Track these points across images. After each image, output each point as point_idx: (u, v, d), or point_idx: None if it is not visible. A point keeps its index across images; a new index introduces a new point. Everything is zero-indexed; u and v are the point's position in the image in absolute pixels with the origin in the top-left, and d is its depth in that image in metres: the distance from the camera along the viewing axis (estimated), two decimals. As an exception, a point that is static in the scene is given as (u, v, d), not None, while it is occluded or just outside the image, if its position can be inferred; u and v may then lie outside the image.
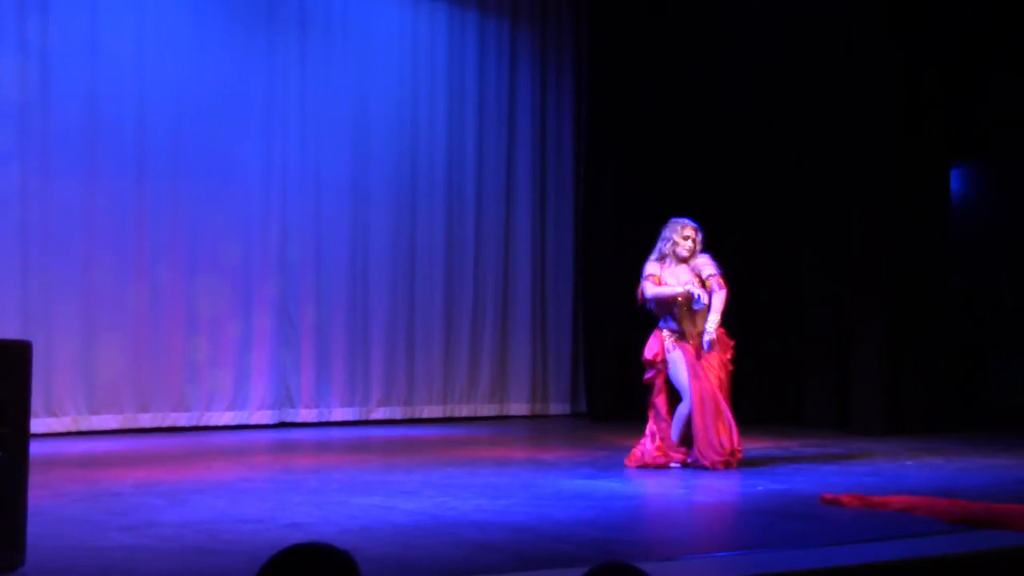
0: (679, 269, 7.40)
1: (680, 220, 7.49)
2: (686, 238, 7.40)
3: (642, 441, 7.42)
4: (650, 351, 7.43)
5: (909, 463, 7.66)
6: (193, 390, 9.52)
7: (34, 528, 4.16)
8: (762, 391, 10.44)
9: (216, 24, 9.71)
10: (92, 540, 4.73)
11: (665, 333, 7.42)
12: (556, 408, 11.48)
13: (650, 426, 7.42)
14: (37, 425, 7.53)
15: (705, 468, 7.13)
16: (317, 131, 10.18)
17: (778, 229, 10.62)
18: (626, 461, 7.39)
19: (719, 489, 6.55)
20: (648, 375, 7.46)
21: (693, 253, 7.42)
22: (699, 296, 7.25)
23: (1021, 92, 10.37)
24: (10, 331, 7.94)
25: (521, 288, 11.35)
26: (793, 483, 6.62)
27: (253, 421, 9.77)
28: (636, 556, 4.39)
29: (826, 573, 4.22)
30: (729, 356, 7.41)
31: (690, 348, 7.31)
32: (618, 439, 8.29)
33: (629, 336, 9.91)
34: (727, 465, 7.14)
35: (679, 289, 7.32)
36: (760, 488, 6.44)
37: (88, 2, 9.10)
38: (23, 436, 4.03)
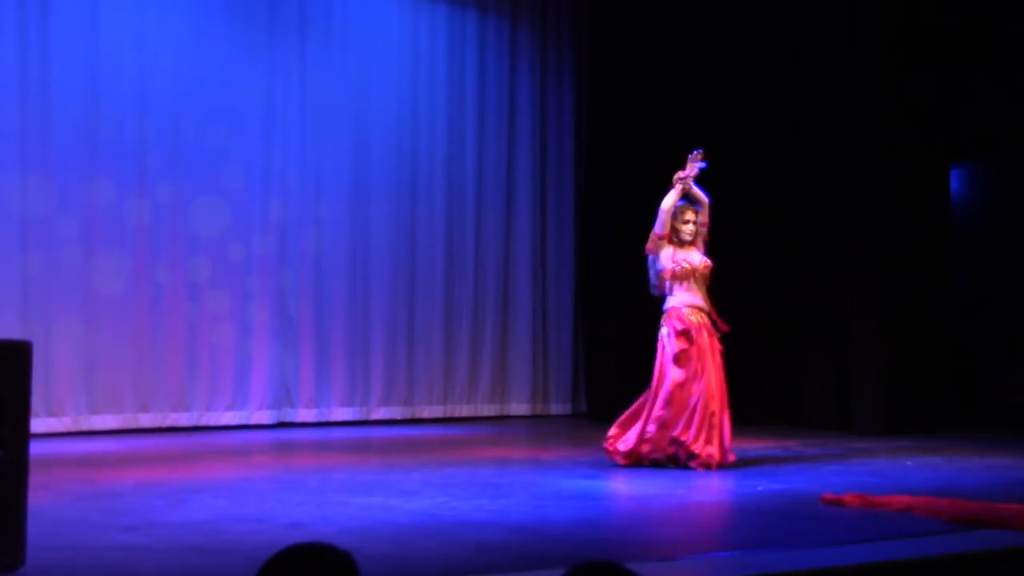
0: (690, 252, 7.36)
1: (680, 203, 7.37)
2: (686, 222, 7.37)
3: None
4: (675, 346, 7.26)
5: (909, 463, 7.66)
6: (193, 390, 9.53)
7: (34, 528, 4.15)
8: (762, 391, 10.44)
9: (216, 24, 9.71)
10: (92, 540, 4.73)
11: (678, 311, 7.24)
12: (557, 408, 11.48)
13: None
14: (37, 425, 7.52)
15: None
16: (317, 131, 10.18)
17: (778, 229, 10.62)
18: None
19: (719, 489, 6.55)
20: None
21: (696, 236, 7.38)
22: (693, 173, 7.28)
23: (1021, 92, 10.37)
24: (10, 331, 7.94)
25: (521, 288, 11.34)
26: (793, 483, 6.61)
27: (253, 421, 9.77)
28: (636, 556, 4.39)
29: (826, 573, 4.22)
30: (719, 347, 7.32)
31: (690, 338, 7.20)
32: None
33: (629, 336, 9.93)
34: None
35: (677, 185, 7.27)
36: (760, 488, 6.43)
37: (88, 2, 9.11)
38: (23, 436, 4.02)
